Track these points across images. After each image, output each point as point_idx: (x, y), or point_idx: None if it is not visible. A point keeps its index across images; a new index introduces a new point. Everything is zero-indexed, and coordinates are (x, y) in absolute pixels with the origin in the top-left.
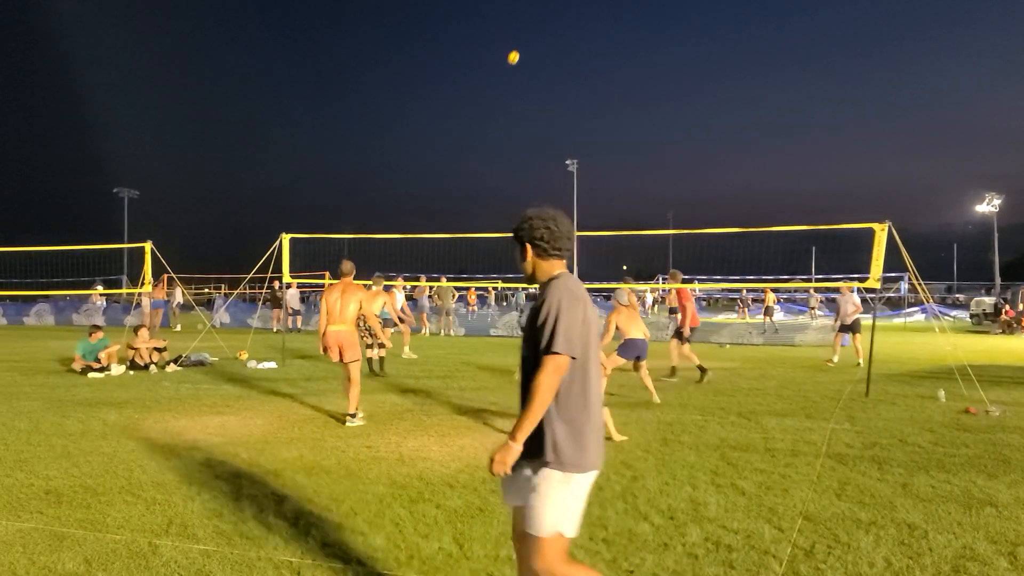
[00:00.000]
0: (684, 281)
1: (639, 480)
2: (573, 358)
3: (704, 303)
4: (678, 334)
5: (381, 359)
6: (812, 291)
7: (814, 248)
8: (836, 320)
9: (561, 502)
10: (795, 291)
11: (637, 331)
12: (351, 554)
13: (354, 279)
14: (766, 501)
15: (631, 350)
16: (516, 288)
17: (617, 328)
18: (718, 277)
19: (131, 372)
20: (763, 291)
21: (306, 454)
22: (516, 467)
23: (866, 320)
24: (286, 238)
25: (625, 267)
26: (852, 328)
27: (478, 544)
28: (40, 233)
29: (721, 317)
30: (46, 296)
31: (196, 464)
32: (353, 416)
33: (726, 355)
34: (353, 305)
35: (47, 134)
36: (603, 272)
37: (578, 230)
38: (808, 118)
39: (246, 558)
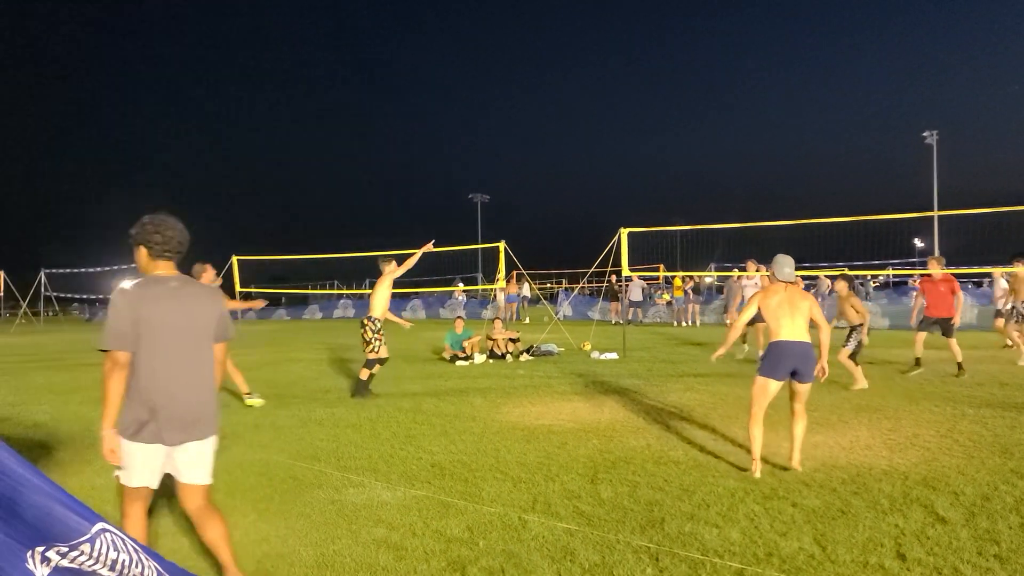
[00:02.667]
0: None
1: None
2: (133, 353)
3: None
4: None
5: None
6: None
7: None
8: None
9: (123, 460)
10: None
11: (792, 329)
12: (707, 545)
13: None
14: None
15: (779, 362)
16: (865, 276)
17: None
18: None
19: (491, 360)
20: None
21: (653, 443)
22: None
23: None
24: (624, 232)
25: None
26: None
27: (842, 547)
28: (406, 239)
29: None
30: (417, 293)
31: (553, 447)
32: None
33: None
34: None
35: (407, 152)
36: (968, 257)
37: (939, 210)
38: None
39: (606, 540)
